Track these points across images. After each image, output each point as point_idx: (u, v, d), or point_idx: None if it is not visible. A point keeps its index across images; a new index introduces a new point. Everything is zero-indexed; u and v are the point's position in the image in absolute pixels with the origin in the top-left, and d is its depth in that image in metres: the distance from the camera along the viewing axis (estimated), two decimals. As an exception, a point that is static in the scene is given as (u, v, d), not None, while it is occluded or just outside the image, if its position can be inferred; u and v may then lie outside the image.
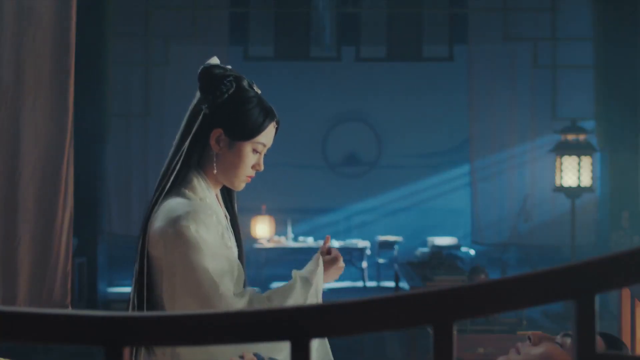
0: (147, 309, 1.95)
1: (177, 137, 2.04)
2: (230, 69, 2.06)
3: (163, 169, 2.04)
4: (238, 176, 2.05)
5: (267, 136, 2.05)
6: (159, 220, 1.94)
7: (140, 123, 8.59)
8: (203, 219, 1.92)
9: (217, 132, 2.01)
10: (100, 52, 8.03)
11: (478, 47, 8.94)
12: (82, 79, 4.61)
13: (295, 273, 2.01)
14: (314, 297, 1.98)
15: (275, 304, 1.92)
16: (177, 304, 1.89)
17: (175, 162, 2.00)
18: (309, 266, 2.03)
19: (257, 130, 2.02)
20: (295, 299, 1.95)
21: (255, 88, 2.07)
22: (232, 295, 1.87)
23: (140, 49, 8.61)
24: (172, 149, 2.04)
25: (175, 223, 1.90)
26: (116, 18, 8.38)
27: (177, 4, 8.89)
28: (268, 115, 2.04)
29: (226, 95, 2.00)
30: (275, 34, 9.96)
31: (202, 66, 2.04)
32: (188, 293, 1.88)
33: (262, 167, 2.07)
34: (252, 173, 2.07)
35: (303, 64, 10.64)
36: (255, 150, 2.04)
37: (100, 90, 8.07)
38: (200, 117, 2.01)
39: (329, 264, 2.05)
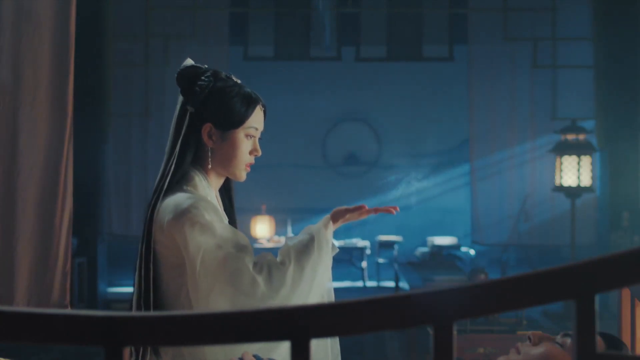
0: (154, 307, 1.96)
1: (169, 142, 2.08)
2: (205, 67, 2.10)
3: (159, 174, 2.06)
4: (237, 165, 2.08)
5: (257, 120, 2.09)
6: (167, 214, 1.96)
7: (140, 123, 8.59)
8: (208, 206, 1.97)
9: (207, 128, 2.05)
10: (100, 52, 8.04)
11: (478, 47, 8.94)
12: (82, 79, 4.61)
13: (309, 230, 2.06)
14: (328, 255, 2.04)
15: (291, 271, 1.95)
16: (201, 291, 1.90)
17: (169, 165, 2.03)
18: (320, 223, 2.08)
19: (245, 115, 2.06)
20: (313, 261, 1.99)
21: (234, 78, 2.11)
22: (252, 269, 1.91)
23: (140, 49, 8.62)
24: (166, 156, 2.06)
25: (185, 214, 1.93)
26: (116, 18, 8.38)
27: (177, 4, 8.88)
28: (252, 99, 2.08)
29: (207, 90, 2.04)
30: (275, 34, 9.96)
31: (178, 70, 2.08)
32: (213, 276, 1.90)
33: (259, 152, 2.10)
34: (252, 160, 2.10)
35: (303, 64, 10.63)
36: (248, 136, 2.08)
37: (100, 90, 8.07)
38: (187, 117, 2.04)
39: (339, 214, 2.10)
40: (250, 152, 2.09)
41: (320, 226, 2.06)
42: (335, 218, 2.10)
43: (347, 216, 2.11)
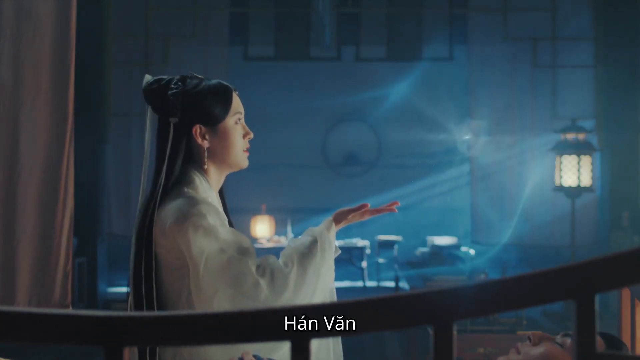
0: (155, 309, 1.97)
1: (155, 157, 2.09)
2: (165, 77, 2.11)
3: (148, 188, 2.06)
4: (237, 153, 2.10)
5: (238, 104, 2.13)
6: (169, 217, 1.97)
7: (140, 123, 8.58)
8: (210, 209, 1.98)
9: (197, 129, 2.07)
10: (100, 52, 8.04)
11: (478, 47, 8.93)
12: (82, 79, 4.61)
13: (311, 233, 2.08)
14: (330, 257, 2.06)
15: (294, 274, 1.96)
16: (205, 294, 1.91)
17: (160, 180, 2.03)
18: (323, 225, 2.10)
19: (227, 103, 2.09)
20: (316, 264, 2.00)
21: (198, 76, 2.13)
22: (255, 272, 1.92)
23: (140, 49, 8.61)
24: (154, 171, 2.07)
25: (188, 218, 1.94)
26: (116, 18, 8.39)
27: (177, 4, 8.88)
28: (226, 87, 2.11)
29: (182, 95, 2.05)
30: (275, 34, 9.96)
31: (142, 89, 2.11)
32: (217, 279, 1.91)
33: (251, 133, 2.14)
34: (247, 144, 2.13)
35: (303, 64, 10.63)
36: (237, 122, 2.11)
37: (100, 90, 8.07)
38: (172, 128, 2.05)
39: (341, 216, 2.13)
40: (244, 136, 2.12)
41: (323, 228, 2.07)
42: (337, 220, 2.11)
43: (350, 217, 2.12)
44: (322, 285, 2.01)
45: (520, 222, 8.82)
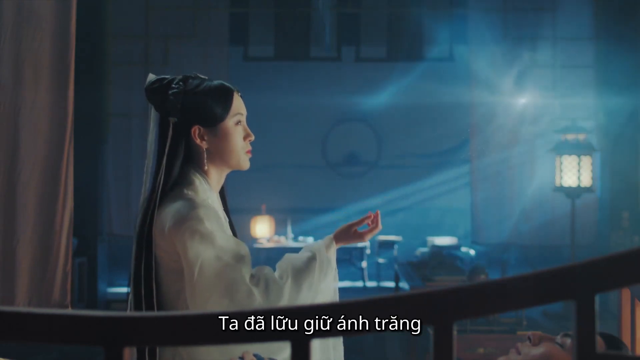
0: (154, 309, 1.96)
1: (153, 157, 2.08)
2: (168, 76, 2.10)
3: (148, 188, 2.06)
4: (238, 155, 2.08)
5: (239, 105, 2.10)
6: (168, 220, 1.96)
7: (140, 123, 8.59)
8: (209, 213, 1.96)
9: (195, 130, 2.05)
10: (100, 52, 8.04)
11: (478, 47, 8.94)
12: (82, 79, 4.61)
13: (310, 249, 2.08)
14: (328, 275, 2.05)
15: (288, 287, 1.95)
16: (199, 299, 1.91)
17: (159, 179, 2.03)
18: (324, 241, 2.11)
19: (227, 104, 2.07)
20: (310, 281, 2.00)
21: (201, 76, 2.12)
22: (249, 280, 1.91)
23: (140, 49, 8.62)
24: (153, 170, 2.07)
25: (185, 222, 1.93)
26: (116, 18, 8.39)
27: (177, 4, 8.89)
28: (227, 88, 2.09)
29: (182, 95, 2.04)
30: (275, 34, 9.96)
31: (144, 88, 2.09)
32: (210, 286, 1.90)
33: (252, 135, 2.11)
34: (248, 145, 2.11)
35: (303, 64, 10.63)
36: (237, 123, 2.08)
37: (100, 90, 8.07)
38: (171, 128, 2.04)
39: (344, 232, 2.13)
40: (245, 138, 2.09)
41: (322, 246, 2.07)
42: (338, 238, 2.11)
43: (352, 232, 2.13)
44: (320, 301, 2.00)
45: (520, 222, 8.82)
